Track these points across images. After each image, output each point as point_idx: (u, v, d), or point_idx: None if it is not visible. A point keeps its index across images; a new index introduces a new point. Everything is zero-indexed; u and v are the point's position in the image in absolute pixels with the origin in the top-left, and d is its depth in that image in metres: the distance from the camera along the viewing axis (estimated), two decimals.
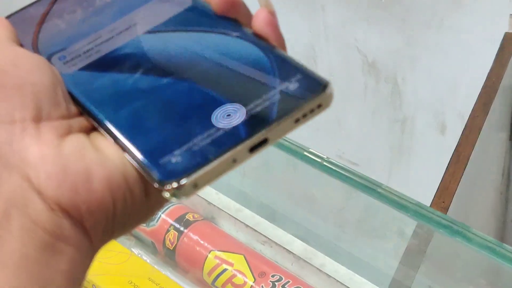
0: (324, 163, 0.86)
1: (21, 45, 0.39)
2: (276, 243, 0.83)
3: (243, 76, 0.37)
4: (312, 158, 0.87)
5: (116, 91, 0.37)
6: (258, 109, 0.34)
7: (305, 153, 0.87)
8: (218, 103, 0.35)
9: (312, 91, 0.35)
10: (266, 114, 0.34)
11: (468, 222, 0.85)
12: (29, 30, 0.42)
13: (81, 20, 0.42)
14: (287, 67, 0.36)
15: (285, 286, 0.79)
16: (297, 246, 0.82)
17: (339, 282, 0.78)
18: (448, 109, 1.41)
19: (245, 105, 0.34)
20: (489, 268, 0.82)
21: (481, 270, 0.85)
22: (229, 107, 0.34)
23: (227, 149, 0.32)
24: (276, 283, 0.79)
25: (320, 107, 0.35)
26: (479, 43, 1.30)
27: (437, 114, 1.43)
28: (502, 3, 1.25)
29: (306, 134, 0.91)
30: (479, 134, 1.12)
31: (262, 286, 0.79)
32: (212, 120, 0.34)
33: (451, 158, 1.09)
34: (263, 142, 0.33)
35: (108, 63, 0.39)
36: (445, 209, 0.99)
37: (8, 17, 0.44)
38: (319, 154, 0.87)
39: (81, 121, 0.35)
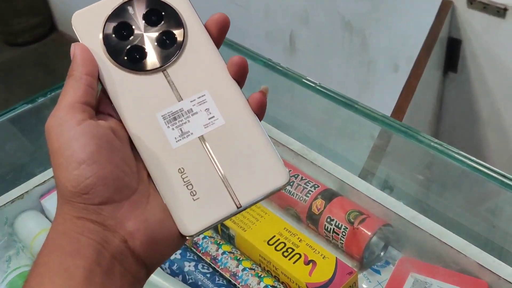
0: (317, 87, 0.75)
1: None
2: (281, 144, 0.73)
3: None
4: (308, 84, 0.76)
5: None
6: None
7: (303, 80, 0.76)
8: None
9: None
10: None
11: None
12: None
13: None
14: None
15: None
16: (297, 146, 0.72)
17: (325, 170, 0.69)
18: (400, 55, 1.29)
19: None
20: (425, 157, 0.72)
21: (420, 161, 0.75)
22: None
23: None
24: None
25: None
26: (424, 8, 1.18)
27: (392, 58, 1.31)
28: None
29: (302, 71, 0.80)
30: (423, 71, 1.02)
31: None
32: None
33: (403, 87, 0.98)
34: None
35: None
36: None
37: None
38: (313, 80, 0.75)
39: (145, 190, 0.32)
